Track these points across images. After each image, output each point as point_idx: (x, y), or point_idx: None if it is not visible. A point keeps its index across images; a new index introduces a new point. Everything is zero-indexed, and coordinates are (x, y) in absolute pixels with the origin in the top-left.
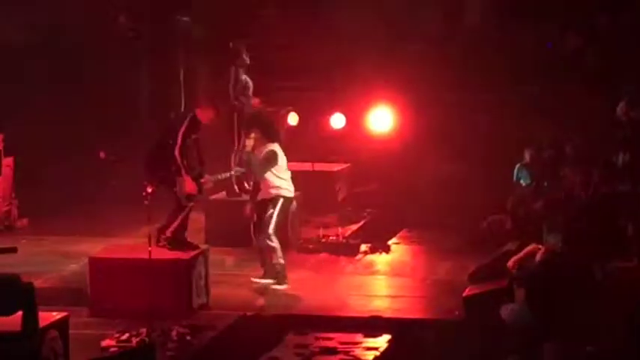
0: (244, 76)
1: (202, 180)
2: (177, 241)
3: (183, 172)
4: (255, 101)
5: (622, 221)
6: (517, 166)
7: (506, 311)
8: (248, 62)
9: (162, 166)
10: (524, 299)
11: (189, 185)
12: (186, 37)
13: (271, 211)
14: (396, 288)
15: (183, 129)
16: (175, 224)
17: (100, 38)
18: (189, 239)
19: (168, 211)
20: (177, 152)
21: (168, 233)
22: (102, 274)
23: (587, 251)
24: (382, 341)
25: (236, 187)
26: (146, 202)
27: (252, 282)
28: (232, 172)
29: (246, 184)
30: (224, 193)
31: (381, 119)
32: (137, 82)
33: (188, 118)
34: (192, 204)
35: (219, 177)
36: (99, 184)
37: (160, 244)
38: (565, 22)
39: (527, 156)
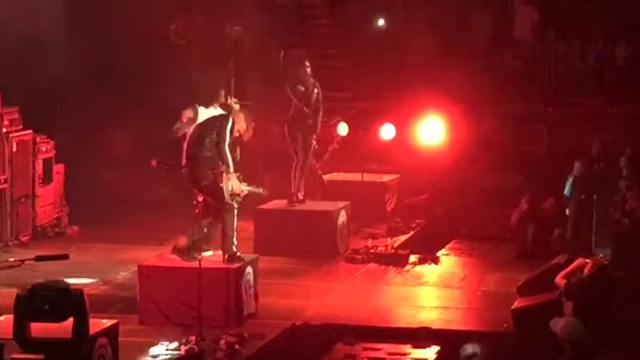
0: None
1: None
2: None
3: (230, 169)
4: None
5: None
6: (570, 179)
7: (556, 324)
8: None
9: (207, 165)
10: (575, 312)
11: (234, 183)
12: (238, 46)
13: None
14: (444, 299)
15: (228, 127)
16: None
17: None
18: (238, 247)
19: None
20: (225, 148)
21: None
22: (152, 282)
23: (636, 264)
24: (431, 352)
25: None
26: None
27: None
28: (260, 190)
29: (300, 195)
30: (273, 202)
31: (431, 130)
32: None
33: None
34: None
35: (251, 189)
36: (150, 192)
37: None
38: (613, 34)
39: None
